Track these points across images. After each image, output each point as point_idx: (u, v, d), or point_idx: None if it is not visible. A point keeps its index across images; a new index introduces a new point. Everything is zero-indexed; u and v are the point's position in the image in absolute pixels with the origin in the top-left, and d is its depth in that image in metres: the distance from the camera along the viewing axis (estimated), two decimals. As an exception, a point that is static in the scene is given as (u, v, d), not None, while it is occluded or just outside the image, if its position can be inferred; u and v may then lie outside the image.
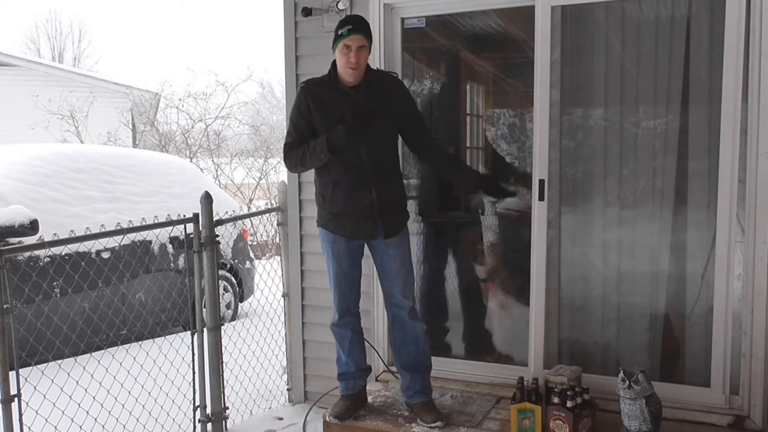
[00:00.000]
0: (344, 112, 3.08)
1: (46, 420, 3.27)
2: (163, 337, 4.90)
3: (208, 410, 3.58)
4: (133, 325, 5.16)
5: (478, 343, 4.06)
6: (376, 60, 3.68)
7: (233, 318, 6.58)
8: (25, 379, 3.02)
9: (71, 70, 16.70)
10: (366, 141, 3.07)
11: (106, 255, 5.17)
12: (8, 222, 4.62)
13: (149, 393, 3.73)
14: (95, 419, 3.45)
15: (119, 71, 34.63)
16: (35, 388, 3.18)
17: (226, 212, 4.22)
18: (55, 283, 4.75)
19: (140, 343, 4.11)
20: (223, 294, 6.49)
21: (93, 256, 5.06)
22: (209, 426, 3.59)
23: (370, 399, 3.48)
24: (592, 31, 3.48)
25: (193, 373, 3.55)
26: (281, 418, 3.94)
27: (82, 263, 4.62)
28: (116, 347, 4.24)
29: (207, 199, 3.49)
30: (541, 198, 3.43)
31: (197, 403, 3.56)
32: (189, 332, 3.55)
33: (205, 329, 3.53)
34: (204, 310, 3.53)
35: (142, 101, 14.45)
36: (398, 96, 3.24)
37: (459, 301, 4.29)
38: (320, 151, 3.06)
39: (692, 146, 3.32)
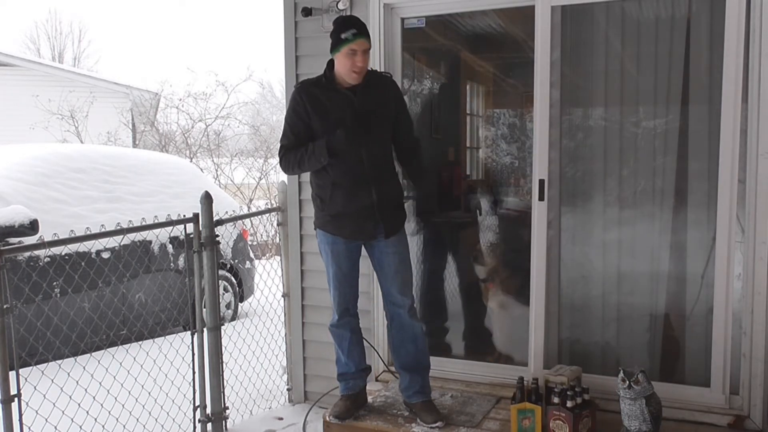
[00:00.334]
0: (344, 114, 3.07)
1: (46, 420, 3.27)
2: (163, 337, 4.90)
3: (208, 410, 3.58)
4: (133, 325, 5.16)
5: (478, 343, 4.07)
6: (376, 60, 3.68)
7: (233, 318, 6.58)
8: (25, 379, 3.02)
9: (71, 70, 16.70)
10: (365, 141, 3.07)
11: (106, 255, 5.17)
12: (8, 222, 4.62)
13: (149, 393, 3.73)
14: (95, 419, 3.45)
15: (119, 71, 34.65)
16: (35, 388, 3.18)
17: (226, 212, 4.22)
18: (55, 283, 4.75)
19: (140, 343, 4.11)
20: (223, 294, 6.49)
21: (93, 256, 5.06)
22: (209, 426, 3.59)
23: (370, 399, 3.48)
24: (592, 31, 3.48)
25: (193, 373, 3.55)
26: (281, 418, 3.94)
27: (82, 263, 4.63)
28: (116, 347, 4.24)
29: (207, 199, 3.49)
30: (541, 198, 3.43)
31: (197, 403, 3.56)
32: (189, 332, 3.55)
33: (205, 329, 3.53)
34: (204, 310, 3.53)
35: (142, 101, 14.45)
36: (393, 97, 3.25)
37: (459, 301, 4.29)
38: (320, 155, 3.05)
39: (692, 146, 3.32)
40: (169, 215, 4.04)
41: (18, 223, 4.64)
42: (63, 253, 4.60)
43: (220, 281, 4.36)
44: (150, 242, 5.70)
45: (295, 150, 3.14)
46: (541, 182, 3.42)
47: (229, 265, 6.60)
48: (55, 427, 3.31)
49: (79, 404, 3.41)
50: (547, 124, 3.39)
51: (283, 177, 3.97)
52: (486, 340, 4.05)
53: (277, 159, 3.27)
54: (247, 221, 7.52)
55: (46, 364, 3.67)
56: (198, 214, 3.49)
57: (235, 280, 6.71)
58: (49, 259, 4.75)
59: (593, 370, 3.37)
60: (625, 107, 3.47)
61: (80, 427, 3.40)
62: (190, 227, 3.52)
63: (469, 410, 3.35)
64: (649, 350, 3.49)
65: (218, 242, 3.53)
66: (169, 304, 5.71)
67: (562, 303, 3.59)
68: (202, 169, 10.78)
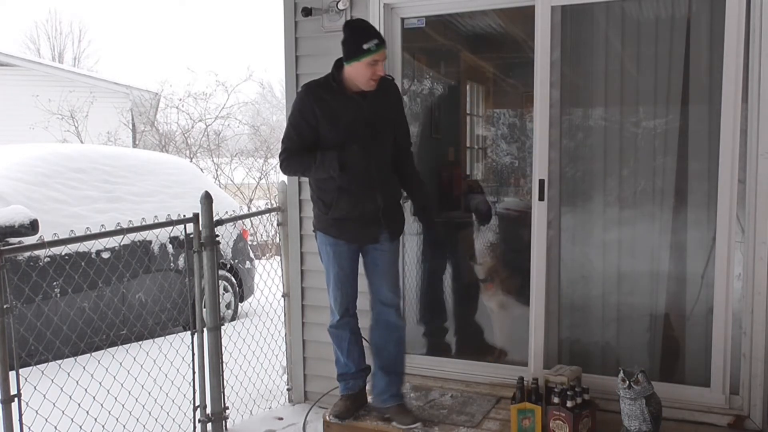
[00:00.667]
0: (354, 121, 3.04)
1: (46, 420, 3.27)
2: (163, 337, 4.90)
3: (208, 410, 3.58)
4: (133, 325, 5.16)
5: (478, 343, 4.07)
6: (376, 60, 3.67)
7: (233, 318, 6.58)
8: (25, 379, 3.02)
9: (71, 70, 16.70)
10: (373, 148, 3.07)
11: (106, 255, 5.17)
12: (8, 222, 4.62)
13: (149, 393, 3.73)
14: (95, 419, 3.45)
15: (119, 71, 34.65)
16: (35, 388, 3.18)
17: (226, 212, 4.22)
18: (55, 283, 4.75)
19: (140, 343, 4.11)
20: (223, 294, 6.49)
21: (93, 256, 5.06)
22: (209, 426, 3.59)
23: (369, 399, 3.48)
24: (592, 31, 3.48)
25: (193, 373, 3.55)
26: (281, 418, 3.94)
27: (82, 263, 4.63)
28: (116, 347, 4.24)
29: (207, 199, 3.49)
30: (541, 198, 3.43)
31: (197, 403, 3.56)
32: (189, 332, 3.54)
33: (205, 329, 3.53)
34: (204, 310, 3.53)
35: (142, 101, 14.45)
36: (395, 100, 3.25)
37: (459, 301, 4.29)
38: (329, 168, 3.00)
39: (692, 146, 3.32)
40: (169, 215, 4.04)
41: (18, 223, 4.64)
42: (63, 253, 4.59)
43: (220, 281, 4.36)
44: (150, 242, 5.70)
45: (300, 156, 3.08)
46: (541, 182, 3.42)
47: (229, 265, 6.60)
48: (55, 427, 3.31)
49: (79, 404, 3.41)
50: (547, 124, 3.39)
51: (283, 177, 3.96)
52: (486, 340, 4.05)
53: (278, 160, 3.21)
54: (247, 221, 7.52)
55: (46, 364, 3.67)
56: (198, 214, 3.49)
57: (235, 280, 6.71)
58: (49, 259, 4.75)
59: (593, 370, 3.37)
60: (625, 107, 3.47)
61: (80, 427, 3.40)
62: (190, 227, 3.52)
63: (469, 410, 3.35)
64: (649, 350, 3.49)
65: (218, 242, 3.53)
66: (169, 304, 5.71)
67: (562, 303, 3.59)
68: (202, 169, 10.78)
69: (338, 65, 3.10)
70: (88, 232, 3.23)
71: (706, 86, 3.24)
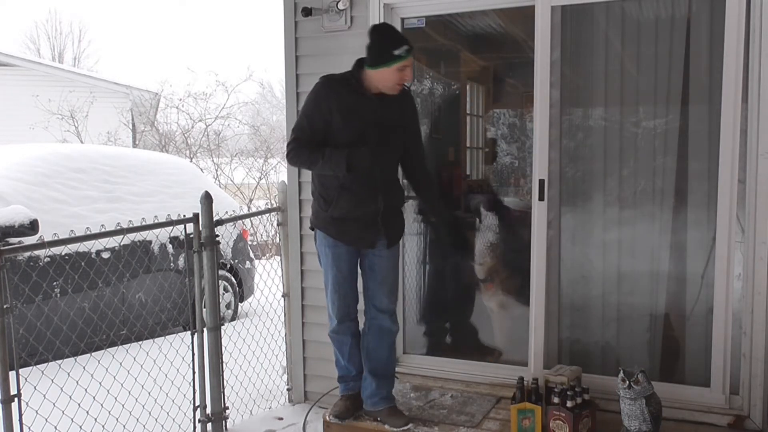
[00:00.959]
0: (368, 122, 3.02)
1: (46, 420, 3.27)
2: (163, 337, 4.90)
3: (208, 410, 3.58)
4: (133, 325, 5.16)
5: (478, 343, 4.06)
6: (376, 60, 3.67)
7: (233, 318, 6.58)
8: (25, 379, 3.02)
9: (71, 70, 16.70)
10: (380, 149, 3.05)
11: (106, 255, 5.17)
12: (8, 222, 4.62)
13: (149, 393, 3.73)
14: (95, 419, 3.45)
15: (119, 71, 34.65)
16: (35, 388, 3.18)
17: (226, 212, 4.22)
18: (55, 283, 4.75)
19: (140, 343, 4.11)
20: (223, 294, 6.49)
21: (93, 256, 5.06)
22: (209, 426, 3.59)
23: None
24: (592, 31, 3.48)
25: (193, 373, 3.55)
26: (281, 418, 3.94)
27: (82, 263, 4.63)
28: (116, 347, 4.24)
29: (207, 199, 3.49)
30: (541, 198, 3.43)
31: (197, 403, 3.56)
32: (189, 332, 3.55)
33: (205, 329, 3.53)
34: (204, 310, 3.53)
35: (142, 101, 14.45)
36: (410, 108, 3.25)
37: (459, 301, 4.29)
38: (337, 167, 2.98)
39: (692, 146, 3.32)
40: (169, 215, 4.04)
41: (18, 223, 4.64)
42: (63, 253, 4.59)
43: (220, 281, 4.36)
44: (150, 242, 5.70)
45: (309, 149, 3.05)
46: (541, 182, 3.42)
47: (229, 265, 6.60)
48: (55, 427, 3.31)
49: (79, 404, 3.41)
50: (547, 124, 3.39)
51: (284, 177, 3.96)
52: (486, 340, 4.05)
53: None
54: (247, 221, 7.52)
55: (46, 364, 3.67)
56: (198, 214, 3.49)
57: (235, 280, 6.71)
58: (49, 259, 4.75)
59: (593, 370, 3.37)
60: (625, 107, 3.47)
61: (80, 427, 3.40)
62: (190, 227, 3.52)
63: (469, 410, 3.35)
64: (649, 350, 3.49)
65: (218, 242, 3.53)
66: (169, 304, 5.71)
67: (562, 303, 3.59)
68: (202, 169, 10.78)
69: (359, 64, 3.08)
70: (88, 232, 3.23)
71: (706, 86, 3.24)
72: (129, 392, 3.66)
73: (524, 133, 4.05)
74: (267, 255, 10.05)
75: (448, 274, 4.29)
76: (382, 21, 3.65)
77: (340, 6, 3.70)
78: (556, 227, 3.54)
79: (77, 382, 3.43)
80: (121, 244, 4.99)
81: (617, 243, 3.51)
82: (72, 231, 3.24)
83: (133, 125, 14.52)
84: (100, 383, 3.55)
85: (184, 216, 3.55)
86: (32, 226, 4.66)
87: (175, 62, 34.64)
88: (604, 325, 3.56)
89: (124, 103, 14.18)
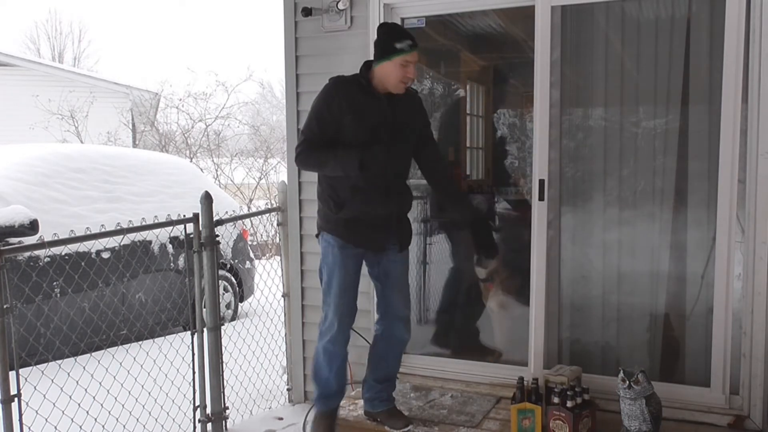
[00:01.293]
0: (379, 122, 2.98)
1: (46, 420, 3.27)
2: (163, 337, 4.90)
3: (208, 410, 3.58)
4: (133, 325, 5.16)
5: (478, 343, 4.06)
6: (376, 60, 3.67)
7: (233, 318, 6.58)
8: (25, 379, 3.01)
9: (71, 70, 16.70)
10: (392, 150, 3.01)
11: (106, 255, 5.17)
12: (8, 222, 4.62)
13: (149, 393, 3.73)
14: (95, 419, 3.45)
15: (119, 71, 34.64)
16: (35, 388, 3.18)
17: (226, 212, 4.22)
18: (55, 283, 4.75)
19: (140, 343, 4.11)
20: (223, 294, 6.49)
21: (93, 256, 5.06)
22: (209, 426, 3.59)
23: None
24: (592, 31, 3.48)
25: (193, 373, 3.55)
26: (281, 418, 3.94)
27: (82, 263, 4.62)
28: (116, 347, 4.24)
29: (207, 199, 3.49)
30: (541, 198, 3.43)
31: (197, 403, 3.56)
32: (189, 332, 3.54)
33: (205, 329, 3.52)
34: (204, 310, 3.53)
35: (142, 101, 14.45)
36: (419, 108, 3.22)
37: (459, 301, 4.29)
38: (349, 167, 2.91)
39: (692, 146, 3.32)
40: (169, 215, 4.04)
41: (18, 223, 4.64)
42: (63, 253, 4.59)
43: (220, 281, 4.36)
44: (150, 242, 5.70)
45: (318, 150, 2.98)
46: (541, 182, 3.42)
47: (229, 265, 6.60)
48: (55, 427, 3.31)
49: (79, 404, 3.41)
50: (547, 124, 3.39)
51: (284, 177, 3.95)
52: (486, 340, 4.05)
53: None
54: (247, 221, 7.52)
55: (46, 364, 3.67)
56: (198, 214, 3.49)
57: (235, 280, 6.71)
58: (49, 259, 4.75)
59: (593, 370, 3.37)
60: (625, 107, 3.47)
61: (80, 427, 3.40)
62: (190, 227, 3.52)
63: (469, 410, 3.35)
64: (649, 350, 3.49)
65: (218, 242, 3.53)
66: (169, 304, 5.71)
67: (562, 303, 3.59)
68: (202, 169, 10.78)
69: (367, 66, 3.06)
70: (88, 232, 3.23)
71: (706, 86, 3.24)
72: (129, 392, 3.66)
73: (524, 133, 4.05)
74: (267, 255, 10.05)
75: (448, 274, 4.29)
76: (382, 21, 3.65)
77: (340, 6, 3.70)
78: (556, 227, 3.54)
79: (77, 382, 3.43)
80: (121, 244, 4.99)
81: (617, 243, 3.51)
82: (72, 231, 3.24)
83: (133, 125, 14.52)
84: (100, 383, 3.55)
85: (184, 216, 3.55)
86: (32, 226, 4.66)
87: (175, 62, 34.66)
88: (604, 325, 3.57)
89: (124, 103, 14.17)
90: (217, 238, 3.51)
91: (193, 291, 3.53)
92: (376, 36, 3.10)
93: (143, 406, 3.65)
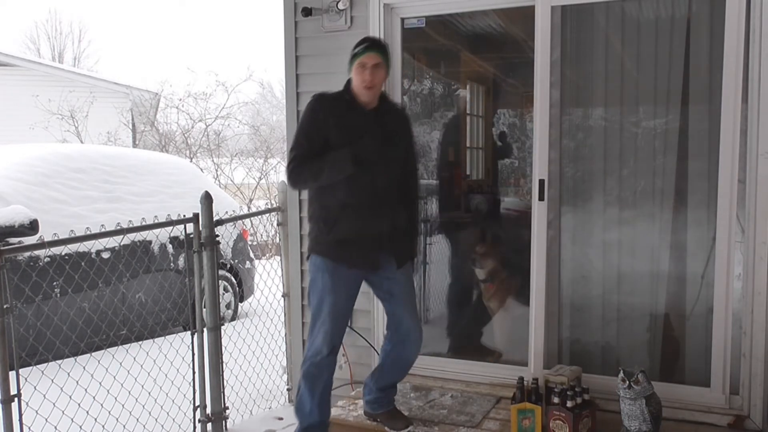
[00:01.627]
0: (366, 131, 2.91)
1: (46, 420, 3.27)
2: (163, 337, 4.90)
3: (208, 410, 3.58)
4: (133, 325, 5.16)
5: (479, 343, 4.07)
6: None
7: (233, 318, 6.58)
8: (25, 379, 3.02)
9: (71, 70, 16.69)
10: (381, 163, 2.92)
11: (106, 255, 5.17)
12: (8, 222, 4.62)
13: (149, 393, 3.73)
14: (95, 419, 3.45)
15: (119, 71, 34.61)
16: (35, 388, 3.18)
17: (226, 212, 4.22)
18: (55, 283, 4.75)
19: (140, 343, 4.11)
20: (223, 294, 6.49)
21: (93, 256, 5.06)
22: (209, 426, 3.59)
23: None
24: (592, 31, 3.48)
25: (193, 373, 3.55)
26: (281, 418, 3.94)
27: (82, 263, 4.62)
28: (116, 347, 4.24)
29: (207, 199, 3.49)
30: (541, 198, 3.43)
31: (197, 403, 3.56)
32: (189, 332, 3.55)
33: (205, 329, 3.53)
34: (204, 310, 3.53)
35: (142, 101, 14.44)
36: (405, 126, 3.15)
37: (459, 301, 4.29)
38: (344, 163, 2.83)
39: (692, 146, 3.32)
40: (169, 215, 4.04)
41: (18, 223, 4.64)
42: (63, 253, 4.59)
43: (220, 281, 4.36)
44: (150, 242, 5.70)
45: (311, 162, 2.89)
46: (541, 182, 3.42)
47: (229, 265, 6.60)
48: (55, 427, 3.31)
49: (79, 404, 3.41)
50: (547, 124, 3.39)
51: (283, 177, 3.95)
52: (486, 340, 4.05)
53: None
54: (247, 221, 7.52)
55: (46, 364, 3.67)
56: (198, 214, 3.49)
57: (235, 280, 6.71)
58: (49, 259, 4.75)
59: (593, 370, 3.37)
60: (625, 107, 3.47)
61: (80, 427, 3.40)
62: (190, 227, 3.52)
63: (469, 410, 3.35)
64: (649, 350, 3.49)
65: (218, 242, 3.53)
66: (169, 304, 5.71)
67: (562, 303, 3.59)
68: (202, 169, 10.77)
69: (349, 81, 3.02)
70: (88, 232, 3.23)
71: (706, 86, 3.24)
72: (129, 392, 3.66)
73: (524, 133, 4.05)
74: (267, 255, 10.05)
75: (449, 274, 4.30)
76: (382, 21, 3.65)
77: (340, 6, 3.70)
78: (556, 227, 3.54)
79: (77, 382, 3.43)
80: (121, 244, 4.99)
81: (617, 243, 3.51)
82: (72, 231, 3.24)
83: (133, 125, 14.51)
84: (100, 383, 3.55)
85: (184, 216, 3.55)
86: (32, 226, 4.66)
87: (175, 62, 34.62)
88: (604, 325, 3.57)
89: (124, 103, 14.17)
90: (217, 238, 3.51)
91: (193, 291, 3.53)
92: None
93: (143, 406, 3.65)
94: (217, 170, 12.81)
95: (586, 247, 3.59)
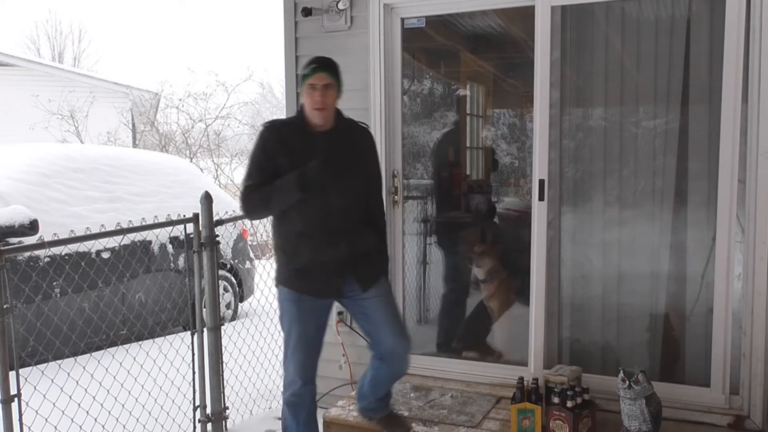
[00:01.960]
0: (315, 156, 2.76)
1: (46, 420, 3.27)
2: (163, 337, 4.90)
3: (208, 410, 3.57)
4: (133, 325, 5.16)
5: (478, 343, 4.07)
6: (376, 60, 3.68)
7: (233, 318, 6.58)
8: (25, 379, 3.01)
9: (71, 70, 16.68)
10: (334, 188, 2.80)
11: (106, 255, 5.17)
12: (8, 222, 4.62)
13: (149, 393, 3.73)
14: (95, 419, 3.45)
15: (119, 71, 34.55)
16: (35, 388, 3.18)
17: (226, 212, 4.22)
18: (55, 283, 4.75)
19: (140, 343, 4.11)
20: (223, 294, 6.49)
21: (93, 256, 5.06)
22: (209, 426, 3.59)
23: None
24: (592, 31, 3.48)
25: (193, 373, 3.55)
26: (281, 418, 3.94)
27: (82, 263, 4.62)
28: (116, 347, 4.24)
29: (207, 199, 3.49)
30: (541, 198, 3.43)
31: (197, 403, 3.56)
32: (189, 332, 3.54)
33: (205, 329, 3.52)
34: (204, 310, 3.53)
35: (142, 101, 14.44)
36: (367, 149, 3.01)
37: (459, 301, 4.29)
38: (290, 189, 2.74)
39: (692, 146, 3.32)
40: (169, 215, 4.04)
41: (18, 223, 4.64)
42: (63, 253, 4.59)
43: (220, 281, 4.36)
44: (150, 242, 5.70)
45: (260, 191, 2.82)
46: (541, 182, 3.42)
47: (229, 265, 6.60)
48: (55, 427, 3.31)
49: (79, 404, 3.41)
50: (547, 124, 3.39)
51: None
52: (486, 340, 4.05)
53: (240, 204, 2.91)
54: (247, 221, 7.51)
55: (46, 364, 3.67)
56: (198, 214, 3.49)
57: (235, 280, 6.71)
58: (49, 259, 4.75)
59: (593, 370, 3.37)
60: (625, 107, 3.47)
61: (80, 427, 3.40)
62: (190, 227, 3.52)
63: (469, 410, 3.35)
64: (649, 350, 3.49)
65: (218, 242, 3.53)
66: (169, 304, 5.71)
67: (562, 303, 3.59)
68: (202, 169, 10.78)
69: (303, 105, 2.91)
70: (88, 232, 3.23)
71: (706, 86, 3.24)
72: (129, 392, 3.66)
73: (524, 133, 4.05)
74: (267, 255, 10.04)
75: (449, 274, 4.30)
76: (382, 21, 3.65)
77: (340, 6, 3.70)
78: (556, 227, 3.54)
79: (77, 382, 3.43)
80: (121, 244, 4.98)
81: (617, 243, 3.51)
82: (72, 231, 3.24)
83: (133, 125, 14.51)
84: (100, 383, 3.55)
85: (184, 216, 3.55)
86: (32, 226, 4.66)
87: (175, 62, 34.56)
88: (604, 325, 3.57)
89: (124, 103, 14.17)
90: (217, 238, 3.51)
91: (193, 291, 3.53)
92: None
93: (143, 406, 3.65)
94: (217, 170, 12.82)
95: (586, 247, 3.59)
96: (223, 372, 3.63)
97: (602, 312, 3.57)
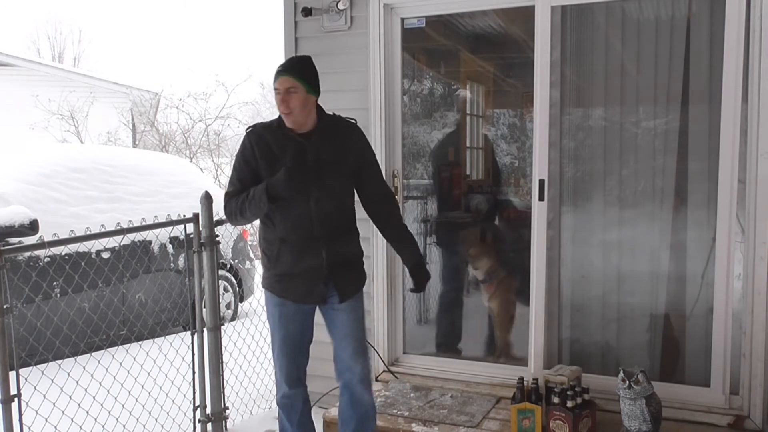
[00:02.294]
0: (293, 161, 2.73)
1: (46, 420, 3.27)
2: (163, 337, 4.90)
3: (208, 410, 3.57)
4: (133, 325, 5.16)
5: (478, 343, 4.07)
6: (376, 60, 3.68)
7: (233, 318, 6.58)
8: (25, 379, 3.02)
9: (71, 70, 16.68)
10: (315, 194, 2.75)
11: (106, 255, 5.17)
12: (8, 222, 4.62)
13: (149, 393, 3.73)
14: (95, 419, 3.45)
15: (119, 71, 34.49)
16: (35, 388, 3.18)
17: (226, 212, 4.21)
18: (55, 283, 4.75)
19: (140, 343, 4.11)
20: (223, 294, 6.49)
21: (93, 256, 5.06)
22: (209, 426, 3.59)
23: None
24: (592, 31, 3.48)
25: (193, 373, 3.55)
26: (278, 419, 3.93)
27: (82, 263, 4.62)
28: (116, 347, 4.24)
29: (207, 199, 3.49)
30: (541, 198, 3.43)
31: (197, 403, 3.56)
32: (189, 332, 3.54)
33: (205, 329, 3.52)
34: (204, 310, 3.53)
35: (142, 101, 14.44)
36: (354, 145, 2.90)
37: (459, 301, 4.29)
38: (259, 200, 2.70)
39: (692, 146, 3.32)
40: (169, 215, 4.04)
41: (18, 223, 4.64)
42: (63, 253, 4.59)
43: (220, 281, 4.36)
44: (150, 242, 5.70)
45: (237, 198, 2.80)
46: (541, 182, 3.41)
47: (229, 265, 6.60)
48: (55, 427, 3.31)
49: (79, 404, 3.41)
50: (547, 124, 3.39)
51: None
52: (486, 340, 4.05)
53: (222, 209, 2.90)
54: (247, 221, 7.50)
55: (46, 364, 3.67)
56: (198, 214, 3.49)
57: (235, 280, 6.71)
58: (49, 259, 4.75)
59: (593, 370, 3.37)
60: (625, 107, 3.47)
61: (80, 427, 3.40)
62: (190, 227, 3.52)
63: (469, 410, 3.35)
64: (649, 350, 3.49)
65: (218, 242, 3.53)
66: (169, 304, 5.71)
67: (562, 303, 3.59)
68: (202, 169, 10.78)
69: None
70: (88, 232, 3.23)
71: (706, 86, 3.24)
72: (129, 392, 3.66)
73: (524, 133, 4.05)
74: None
75: (449, 274, 4.29)
76: (382, 21, 3.65)
77: (340, 6, 3.70)
78: (556, 227, 3.54)
79: (77, 382, 3.43)
80: (121, 244, 4.98)
81: (617, 243, 3.51)
82: (72, 231, 3.24)
83: (133, 125, 14.51)
84: (100, 383, 3.55)
85: (184, 216, 3.55)
86: (32, 226, 4.66)
87: (175, 62, 34.57)
88: (604, 325, 3.57)
89: (124, 103, 14.16)
90: (217, 238, 3.51)
91: (193, 291, 3.53)
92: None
93: (143, 406, 3.65)
94: (217, 170, 12.82)
95: (586, 247, 3.59)
96: (223, 372, 3.63)
97: (602, 312, 3.57)
